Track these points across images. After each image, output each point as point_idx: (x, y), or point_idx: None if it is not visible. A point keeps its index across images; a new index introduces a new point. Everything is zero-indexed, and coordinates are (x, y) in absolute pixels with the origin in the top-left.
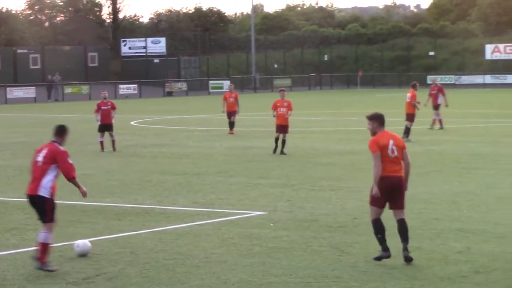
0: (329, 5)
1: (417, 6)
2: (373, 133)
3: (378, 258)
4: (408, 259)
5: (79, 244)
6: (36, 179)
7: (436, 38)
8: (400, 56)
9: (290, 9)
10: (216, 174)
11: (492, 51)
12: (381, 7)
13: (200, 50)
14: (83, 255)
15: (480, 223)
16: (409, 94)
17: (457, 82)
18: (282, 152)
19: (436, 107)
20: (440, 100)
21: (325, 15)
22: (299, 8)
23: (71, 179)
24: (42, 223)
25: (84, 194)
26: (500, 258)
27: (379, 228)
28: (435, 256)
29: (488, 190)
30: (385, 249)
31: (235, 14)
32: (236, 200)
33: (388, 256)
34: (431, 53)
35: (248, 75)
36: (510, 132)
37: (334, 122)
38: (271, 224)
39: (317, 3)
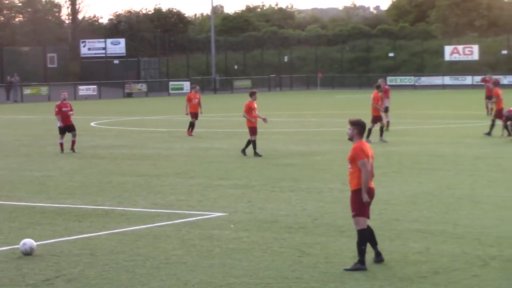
0: (289, 6)
1: (377, 8)
2: (351, 139)
3: (354, 269)
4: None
5: (26, 242)
6: None
7: (396, 39)
8: (359, 57)
9: (250, 10)
10: (176, 176)
11: (451, 52)
12: (340, 8)
13: (160, 51)
14: (28, 253)
15: (439, 223)
16: (372, 96)
17: (416, 83)
18: (256, 154)
19: (385, 109)
20: (387, 102)
21: (285, 16)
22: (259, 9)
23: None
24: None
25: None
26: (460, 258)
27: (368, 237)
28: (394, 257)
29: (448, 190)
30: (363, 262)
31: (195, 15)
32: (196, 201)
33: (365, 269)
34: (391, 54)
35: (208, 76)
36: (469, 133)
37: (294, 123)
38: (232, 225)
39: (277, 4)
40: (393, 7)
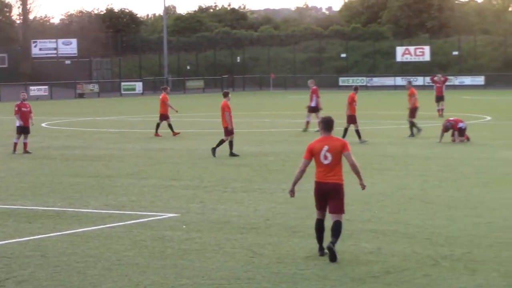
0: (242, 7)
1: (329, 8)
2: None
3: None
4: (331, 252)
5: None
6: None
7: (348, 40)
8: (312, 58)
9: (202, 10)
10: (128, 176)
11: (403, 53)
12: (293, 9)
13: (112, 52)
14: None
15: (391, 223)
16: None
17: (368, 84)
18: (232, 154)
19: (311, 108)
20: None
21: (238, 16)
22: (211, 10)
23: None
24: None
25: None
26: (411, 258)
27: (316, 228)
28: (346, 257)
29: (399, 191)
30: (320, 248)
31: (147, 15)
32: (148, 202)
33: (321, 255)
34: (343, 55)
35: (161, 76)
36: (420, 133)
37: (246, 123)
38: (184, 226)
39: (229, 5)
40: (345, 8)
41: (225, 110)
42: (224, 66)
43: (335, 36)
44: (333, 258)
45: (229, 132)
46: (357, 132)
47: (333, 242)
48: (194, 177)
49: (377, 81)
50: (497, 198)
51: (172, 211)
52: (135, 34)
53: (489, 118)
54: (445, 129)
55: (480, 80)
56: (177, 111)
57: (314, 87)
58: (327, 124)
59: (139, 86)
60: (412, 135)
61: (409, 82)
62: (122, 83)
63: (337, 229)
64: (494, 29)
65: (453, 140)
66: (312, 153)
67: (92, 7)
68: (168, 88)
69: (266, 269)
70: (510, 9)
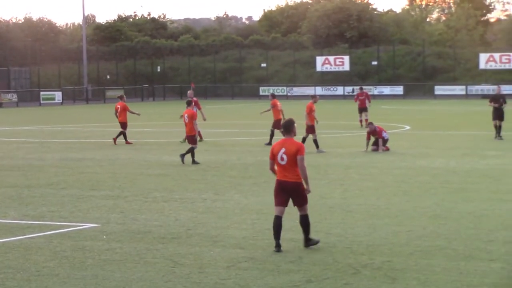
0: (162, 16)
1: (249, 18)
2: None
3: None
4: (313, 243)
5: None
6: None
7: (268, 50)
8: (232, 68)
9: (122, 20)
10: (48, 186)
11: (323, 63)
12: (213, 18)
13: (30, 61)
14: None
15: (312, 232)
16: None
17: (289, 94)
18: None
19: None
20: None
21: (158, 26)
22: (131, 19)
23: None
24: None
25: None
26: (332, 267)
27: (274, 224)
28: (267, 266)
29: (320, 200)
30: (277, 245)
31: (67, 24)
32: (68, 213)
33: (278, 251)
34: (263, 65)
35: (80, 86)
36: (340, 142)
37: (166, 133)
38: (104, 236)
39: (149, 14)
40: (265, 18)
41: (194, 118)
42: (144, 75)
43: (255, 46)
44: (316, 243)
45: (195, 140)
46: (315, 142)
47: (307, 240)
48: (114, 187)
49: (297, 90)
50: (416, 206)
51: (92, 221)
52: (54, 43)
53: (408, 127)
54: (370, 134)
55: (399, 89)
56: (139, 114)
57: (195, 98)
58: (286, 127)
59: (58, 95)
60: (269, 143)
61: (272, 95)
62: (41, 93)
63: (305, 223)
64: (413, 39)
65: (375, 150)
66: (273, 154)
67: (10, 15)
68: (124, 97)
69: (187, 279)
70: (427, 19)
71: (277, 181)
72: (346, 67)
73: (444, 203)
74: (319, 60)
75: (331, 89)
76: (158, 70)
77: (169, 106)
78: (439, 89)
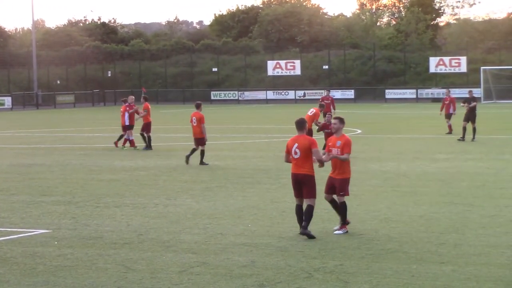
0: (112, 21)
1: (200, 23)
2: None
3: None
4: (307, 235)
5: None
6: None
7: (219, 54)
8: (183, 72)
9: (72, 24)
10: None
11: (274, 68)
12: (164, 23)
13: None
14: None
15: (264, 237)
16: (312, 110)
17: (240, 98)
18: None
19: (129, 127)
20: (128, 120)
21: (108, 30)
22: (81, 24)
23: None
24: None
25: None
26: (284, 271)
27: (296, 212)
28: (219, 271)
29: (272, 204)
30: (304, 226)
31: (16, 29)
32: (18, 219)
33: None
34: (214, 69)
35: (30, 91)
36: (148, 150)
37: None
38: (55, 242)
39: (99, 19)
40: (216, 22)
41: (202, 122)
42: (95, 80)
43: (206, 50)
44: (311, 237)
45: (204, 142)
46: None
47: (305, 227)
48: (65, 192)
49: (248, 95)
50: (368, 210)
51: (43, 227)
52: (3, 48)
53: (359, 131)
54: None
55: (350, 93)
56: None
57: (132, 104)
58: (299, 125)
59: (8, 101)
60: (147, 147)
61: (144, 98)
62: None
63: (309, 212)
64: (363, 43)
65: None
66: (287, 149)
67: None
68: (132, 97)
69: (139, 285)
70: (378, 24)
71: (292, 174)
72: (298, 71)
73: (395, 206)
74: (270, 64)
75: (283, 93)
76: (109, 75)
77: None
78: (390, 93)
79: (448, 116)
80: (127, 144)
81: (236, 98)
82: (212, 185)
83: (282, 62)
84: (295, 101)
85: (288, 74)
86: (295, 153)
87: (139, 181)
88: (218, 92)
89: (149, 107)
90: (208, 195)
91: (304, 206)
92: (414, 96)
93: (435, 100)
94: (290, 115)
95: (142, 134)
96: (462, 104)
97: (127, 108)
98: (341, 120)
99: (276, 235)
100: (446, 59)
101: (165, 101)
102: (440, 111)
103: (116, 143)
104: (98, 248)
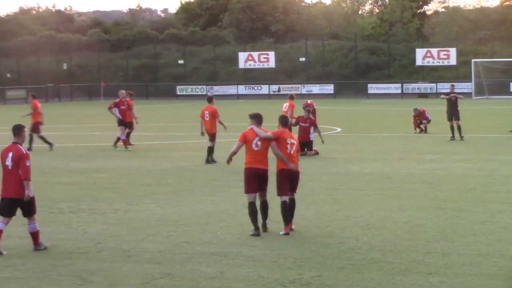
0: (68, 9)
1: (165, 11)
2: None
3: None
4: (264, 228)
5: None
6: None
7: (186, 45)
8: (146, 65)
9: (24, 12)
10: None
11: (246, 60)
12: (125, 11)
13: None
14: None
15: (234, 245)
16: (286, 104)
17: (209, 93)
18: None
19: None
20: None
21: (64, 19)
22: (34, 12)
23: (24, 180)
24: (28, 217)
25: (28, 196)
26: (257, 283)
27: (250, 212)
28: (185, 283)
29: (243, 209)
30: (256, 228)
31: None
32: None
33: (257, 234)
34: (181, 61)
35: None
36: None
37: (74, 137)
38: (4, 252)
39: (54, 6)
40: (182, 10)
41: (216, 116)
42: (48, 73)
43: (172, 41)
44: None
45: (215, 138)
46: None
47: (264, 225)
48: None
49: (218, 89)
50: (348, 216)
51: None
52: None
53: (339, 129)
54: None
55: (329, 88)
56: (137, 122)
57: (128, 100)
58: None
59: None
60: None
61: (33, 95)
62: None
63: (265, 208)
64: (344, 33)
65: (303, 154)
66: (246, 139)
67: None
68: (133, 94)
69: None
70: (360, 12)
71: (249, 169)
72: (272, 64)
73: (378, 211)
74: (242, 56)
75: (255, 88)
76: (64, 67)
77: (77, 107)
78: (373, 88)
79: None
80: (120, 143)
81: (204, 93)
82: (178, 188)
83: (255, 54)
84: (269, 96)
85: (261, 67)
86: (256, 145)
87: (97, 184)
88: (185, 86)
89: (38, 105)
90: (174, 200)
91: (260, 203)
92: (399, 91)
93: (422, 95)
94: (264, 112)
95: (30, 135)
96: (442, 96)
97: (115, 105)
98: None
99: (248, 244)
100: (434, 50)
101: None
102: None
103: (126, 143)
104: (52, 258)
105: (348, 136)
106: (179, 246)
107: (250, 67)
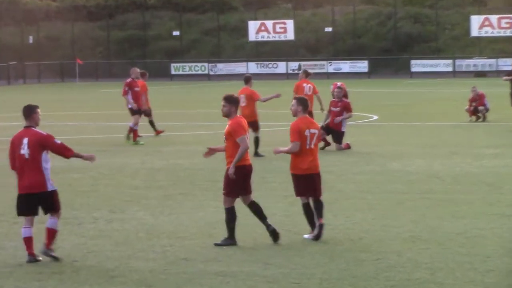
0: None
1: None
2: (227, 115)
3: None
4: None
5: None
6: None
7: (182, 12)
8: (133, 37)
9: None
10: None
11: (257, 30)
12: None
13: None
14: None
15: (245, 262)
16: (310, 86)
17: (211, 72)
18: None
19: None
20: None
21: None
22: None
23: (71, 156)
24: (50, 213)
25: (92, 158)
26: None
27: (230, 216)
28: None
29: (255, 218)
30: (232, 237)
31: None
32: None
33: (235, 244)
34: (176, 33)
35: None
36: (281, 138)
37: (43, 128)
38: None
39: None
40: None
41: (255, 99)
42: (11, 48)
43: (164, 7)
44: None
45: (258, 126)
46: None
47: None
48: None
49: (222, 68)
50: (387, 225)
51: None
52: None
53: (375, 117)
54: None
55: (362, 66)
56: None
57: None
58: (237, 103)
59: None
60: None
61: None
62: None
63: (260, 211)
64: None
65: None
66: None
67: None
68: (147, 74)
69: None
70: None
71: (247, 166)
72: (290, 35)
73: (424, 220)
74: (253, 25)
75: (270, 65)
76: (30, 41)
77: (47, 90)
78: (417, 65)
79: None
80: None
81: (206, 72)
82: (173, 191)
83: (269, 23)
84: (286, 75)
85: (277, 39)
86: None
87: (72, 186)
88: (181, 64)
89: None
90: (168, 206)
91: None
92: (450, 68)
93: (479, 74)
94: (281, 96)
95: None
96: (504, 78)
97: (128, 86)
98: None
99: (262, 261)
100: (494, 18)
101: (108, 77)
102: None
103: (158, 132)
104: (17, 279)
105: (386, 125)
106: (175, 264)
107: (262, 39)
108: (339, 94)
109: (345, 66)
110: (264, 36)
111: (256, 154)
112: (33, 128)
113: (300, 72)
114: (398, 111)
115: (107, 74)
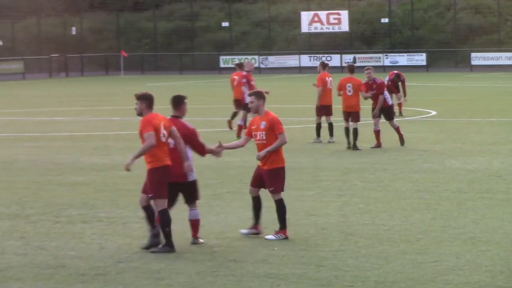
0: None
1: None
2: (140, 114)
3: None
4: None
5: None
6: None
7: (232, 2)
8: (180, 29)
9: None
10: None
11: (310, 22)
12: None
13: None
14: None
15: (297, 265)
16: (330, 79)
17: (262, 65)
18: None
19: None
20: None
21: None
22: None
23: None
24: (190, 203)
25: (218, 153)
26: None
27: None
28: None
29: (308, 218)
30: (171, 245)
31: None
32: None
33: (173, 251)
34: (225, 24)
35: None
36: (336, 135)
37: (86, 124)
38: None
39: None
40: None
41: (362, 89)
42: (52, 40)
43: None
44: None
45: (359, 117)
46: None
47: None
48: (11, 201)
49: (273, 61)
50: (446, 226)
51: None
52: None
53: (433, 112)
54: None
55: (420, 58)
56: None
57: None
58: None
59: None
60: None
61: None
62: None
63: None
64: None
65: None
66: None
67: None
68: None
69: None
70: None
71: (166, 167)
72: (344, 26)
73: (485, 221)
74: (305, 16)
75: (323, 58)
76: (73, 32)
77: (90, 84)
78: (477, 58)
79: None
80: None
81: (257, 65)
82: (221, 190)
83: (322, 14)
84: (341, 69)
85: (330, 30)
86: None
87: (117, 185)
88: (230, 57)
89: None
90: (217, 205)
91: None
92: None
93: None
94: (334, 90)
95: None
96: None
97: (244, 79)
98: (259, 95)
99: (314, 263)
100: None
101: (155, 70)
102: None
103: (230, 123)
104: (59, 281)
105: (445, 121)
106: (224, 266)
107: (316, 31)
108: (370, 76)
109: (402, 59)
110: (317, 28)
111: (354, 146)
112: (180, 120)
113: (318, 65)
114: (457, 107)
115: (154, 67)
